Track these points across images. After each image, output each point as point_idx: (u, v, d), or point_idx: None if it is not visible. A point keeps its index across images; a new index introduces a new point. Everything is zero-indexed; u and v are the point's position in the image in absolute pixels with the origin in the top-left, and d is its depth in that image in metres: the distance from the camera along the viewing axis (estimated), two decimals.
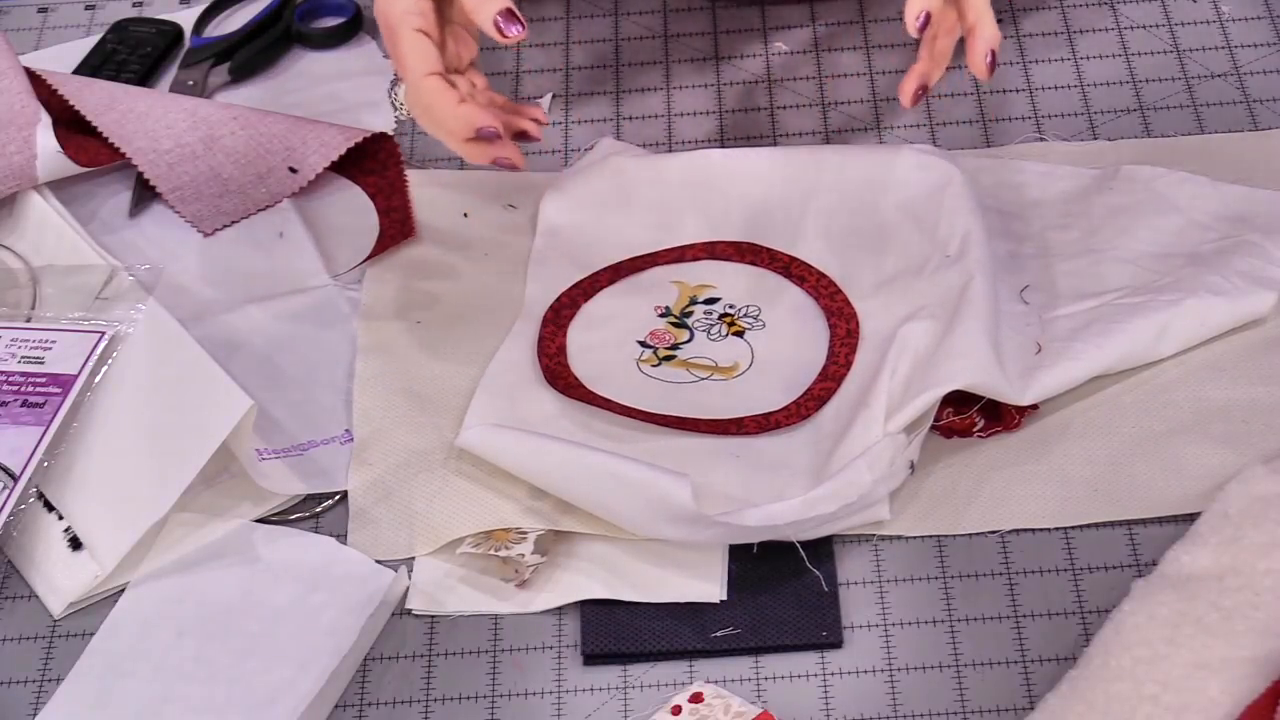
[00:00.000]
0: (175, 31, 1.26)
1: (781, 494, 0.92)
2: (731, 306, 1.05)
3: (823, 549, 0.92)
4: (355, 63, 1.24)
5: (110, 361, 1.01)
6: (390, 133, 1.14)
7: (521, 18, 0.94)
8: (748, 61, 1.21)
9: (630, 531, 0.92)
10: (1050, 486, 0.94)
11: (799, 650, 0.89)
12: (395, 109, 1.02)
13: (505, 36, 0.94)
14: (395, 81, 0.95)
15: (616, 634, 0.90)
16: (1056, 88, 1.16)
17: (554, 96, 1.20)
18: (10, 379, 1.00)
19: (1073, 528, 0.93)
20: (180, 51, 1.25)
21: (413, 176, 1.12)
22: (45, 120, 1.11)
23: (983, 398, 0.95)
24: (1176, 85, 1.16)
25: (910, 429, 0.93)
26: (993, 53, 0.97)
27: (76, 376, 1.00)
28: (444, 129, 0.96)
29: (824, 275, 1.05)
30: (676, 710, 0.87)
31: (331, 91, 1.21)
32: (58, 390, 1.00)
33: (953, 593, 0.91)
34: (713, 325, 1.04)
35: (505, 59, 1.23)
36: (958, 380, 0.93)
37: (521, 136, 1.02)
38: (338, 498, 0.98)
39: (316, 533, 0.97)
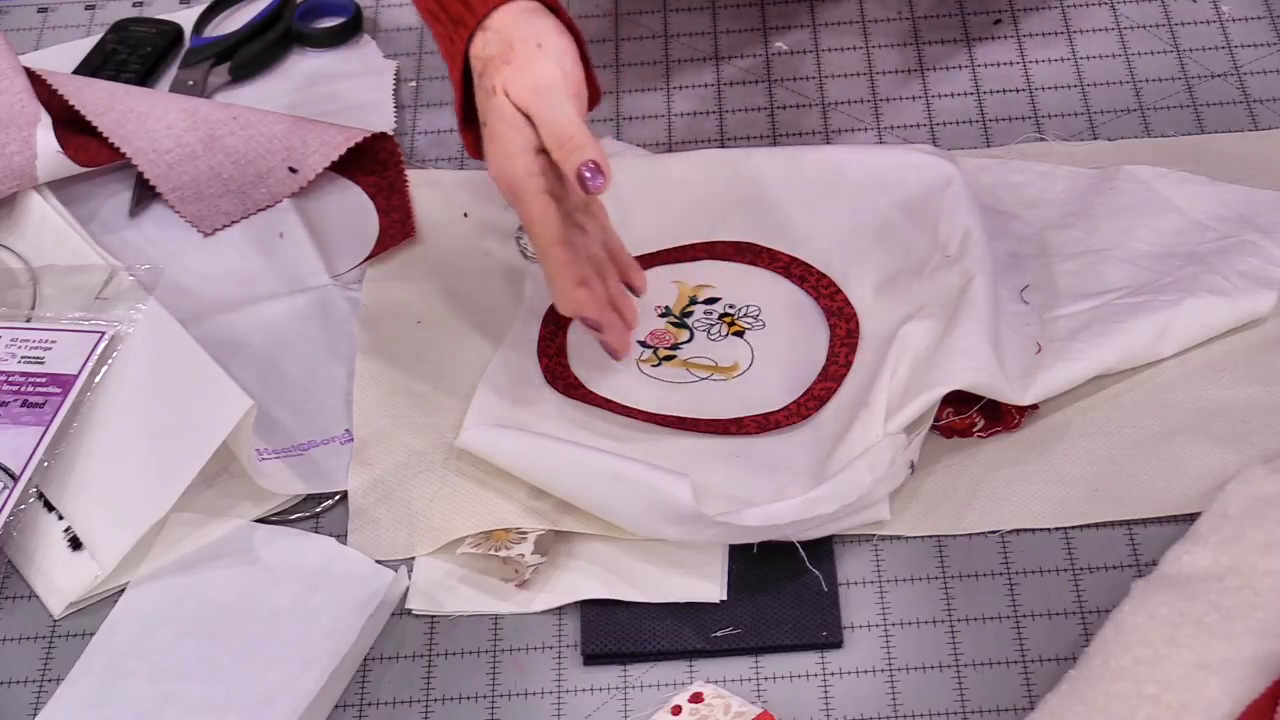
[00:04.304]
0: (175, 31, 1.26)
1: (781, 494, 0.92)
2: (731, 306, 1.05)
3: (823, 549, 0.92)
4: (355, 63, 1.24)
5: (110, 361, 1.01)
6: (390, 133, 1.14)
7: (606, 169, 0.91)
8: (748, 61, 1.21)
9: (630, 531, 0.92)
10: (1050, 486, 0.94)
11: (799, 650, 0.89)
12: (525, 256, 1.07)
13: (588, 190, 0.91)
14: (522, 227, 0.97)
15: (616, 634, 0.90)
16: (1056, 88, 1.16)
17: None
18: (10, 379, 1.00)
19: (1073, 528, 0.93)
20: (180, 51, 1.25)
21: (413, 176, 1.12)
22: (45, 120, 1.11)
23: (983, 398, 0.95)
24: (1176, 85, 1.16)
25: (910, 429, 0.94)
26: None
27: (76, 376, 1.00)
28: (556, 298, 0.96)
29: (824, 275, 1.05)
30: (676, 710, 0.87)
31: (331, 91, 1.22)
32: (58, 390, 1.00)
33: (953, 593, 0.91)
34: (713, 325, 1.04)
35: None
36: (958, 380, 0.93)
37: (630, 287, 1.01)
38: (338, 498, 0.98)
39: (316, 533, 0.97)
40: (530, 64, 0.92)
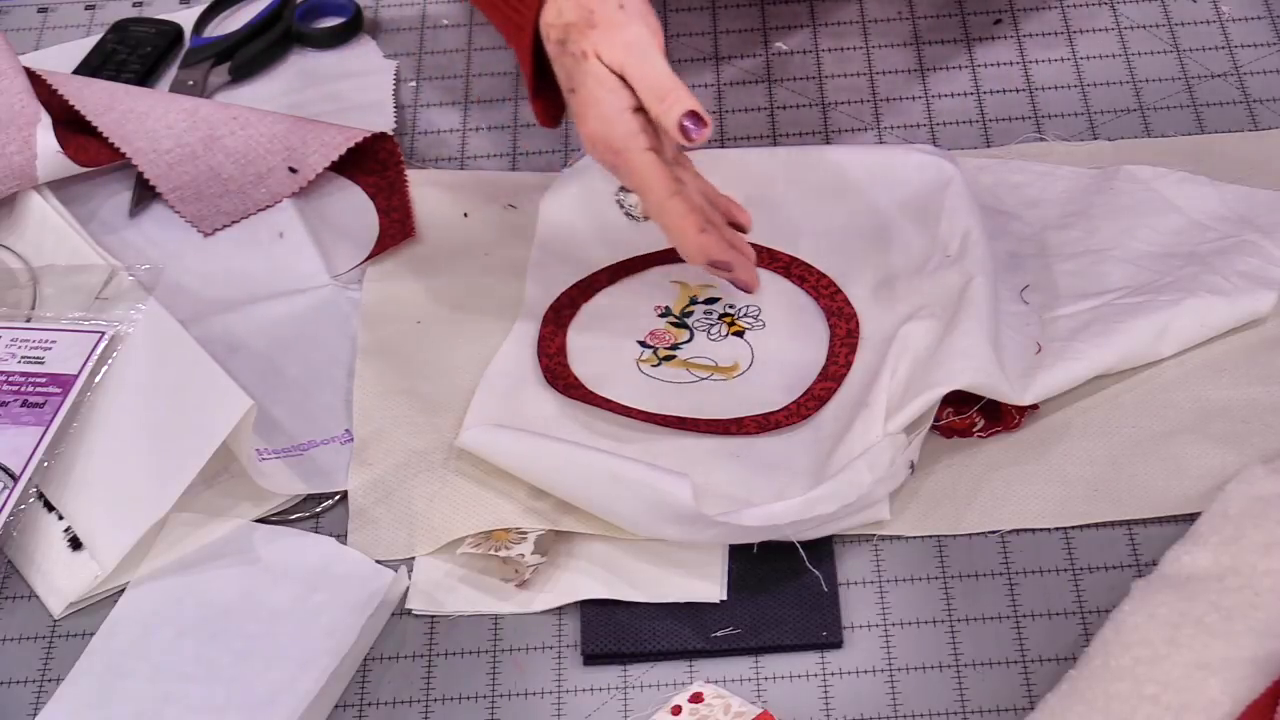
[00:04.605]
0: (175, 31, 1.26)
1: (781, 494, 0.92)
2: (731, 306, 1.05)
3: (823, 549, 0.92)
4: (355, 63, 1.24)
5: (110, 361, 1.01)
6: (390, 133, 1.14)
7: (706, 117, 0.93)
8: (748, 61, 1.21)
9: (630, 531, 0.92)
10: (1050, 486, 0.94)
11: (799, 650, 0.89)
12: (631, 216, 1.05)
13: (690, 140, 0.93)
14: (623, 188, 0.98)
15: (616, 634, 0.90)
16: (1056, 88, 1.16)
17: None
18: (10, 379, 1.00)
19: (1073, 528, 0.93)
20: (180, 51, 1.25)
21: (413, 176, 1.12)
22: (45, 120, 1.11)
23: (983, 398, 0.95)
24: (1176, 85, 1.16)
25: (910, 429, 0.94)
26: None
27: (76, 376, 1.00)
28: (682, 249, 0.97)
29: (824, 275, 1.05)
30: (676, 710, 0.87)
31: (331, 91, 1.22)
32: (58, 390, 1.00)
33: (953, 593, 0.91)
34: (713, 325, 1.04)
35: (507, 60, 1.23)
36: (958, 380, 0.93)
37: (736, 226, 1.02)
38: (338, 498, 0.98)
39: (316, 533, 0.96)
40: (617, 25, 0.94)
